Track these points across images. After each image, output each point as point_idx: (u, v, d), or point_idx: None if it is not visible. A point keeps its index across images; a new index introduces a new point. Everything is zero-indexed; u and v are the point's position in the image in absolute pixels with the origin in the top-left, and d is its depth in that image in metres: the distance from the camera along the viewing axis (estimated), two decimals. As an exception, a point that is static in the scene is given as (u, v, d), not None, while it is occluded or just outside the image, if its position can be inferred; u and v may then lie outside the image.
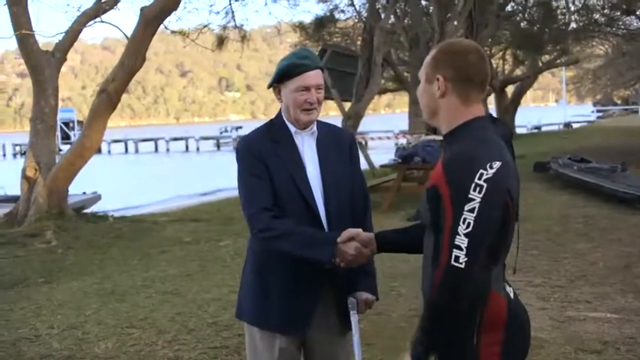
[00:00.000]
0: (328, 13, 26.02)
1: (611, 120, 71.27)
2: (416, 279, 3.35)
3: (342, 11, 28.36)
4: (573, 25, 30.88)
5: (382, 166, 15.68)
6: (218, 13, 21.21)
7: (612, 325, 6.30)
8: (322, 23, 25.08)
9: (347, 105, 19.56)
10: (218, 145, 76.02)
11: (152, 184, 31.17)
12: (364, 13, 24.07)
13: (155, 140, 76.30)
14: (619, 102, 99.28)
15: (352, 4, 24.57)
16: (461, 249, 2.34)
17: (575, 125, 71.02)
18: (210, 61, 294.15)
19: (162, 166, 48.66)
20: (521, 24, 30.42)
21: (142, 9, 11.98)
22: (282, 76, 3.32)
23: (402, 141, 20.59)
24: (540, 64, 39.00)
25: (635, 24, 33.73)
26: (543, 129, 69.44)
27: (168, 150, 72.72)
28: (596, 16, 31.56)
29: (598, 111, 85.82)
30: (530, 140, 40.97)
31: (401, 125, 43.66)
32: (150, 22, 11.96)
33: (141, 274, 8.81)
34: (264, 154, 3.30)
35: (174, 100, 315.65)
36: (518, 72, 42.71)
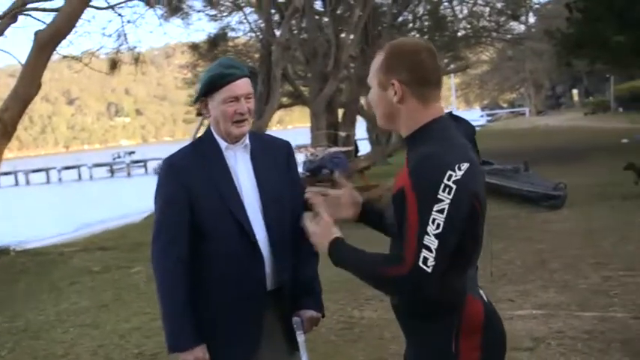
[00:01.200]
0: (221, 32, 25.81)
1: (500, 123, 73.30)
2: (339, 293, 3.28)
3: (233, 29, 28.31)
4: (461, 32, 31.66)
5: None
6: (110, 36, 20.74)
7: (539, 321, 6.38)
8: (215, 42, 24.87)
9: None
10: (112, 172, 74.67)
11: (49, 215, 30.26)
12: (258, 29, 24.18)
13: (46, 170, 74.04)
14: (505, 105, 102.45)
15: (247, 21, 24.49)
16: (430, 250, 2.23)
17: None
18: (97, 86, 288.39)
19: (57, 197, 47.35)
20: (412, 33, 31.05)
21: (36, 33, 11.53)
22: (209, 89, 3.11)
23: (300, 156, 20.62)
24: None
25: (520, 29, 34.92)
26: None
27: (60, 179, 70.70)
28: (483, 22, 32.50)
29: (488, 115, 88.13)
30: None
31: (298, 140, 43.64)
32: (44, 46, 11.53)
33: (53, 309, 8.41)
34: (189, 176, 3.09)
35: (63, 129, 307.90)
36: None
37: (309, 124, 21.32)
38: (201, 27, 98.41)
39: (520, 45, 39.00)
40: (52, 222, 25.83)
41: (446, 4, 30.64)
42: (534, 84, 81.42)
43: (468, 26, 31.90)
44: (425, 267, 2.23)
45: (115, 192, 45.96)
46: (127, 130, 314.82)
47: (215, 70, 3.11)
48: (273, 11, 19.02)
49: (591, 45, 20.64)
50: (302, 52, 20.71)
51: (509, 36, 34.67)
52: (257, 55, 29.81)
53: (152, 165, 71.78)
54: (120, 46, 20.97)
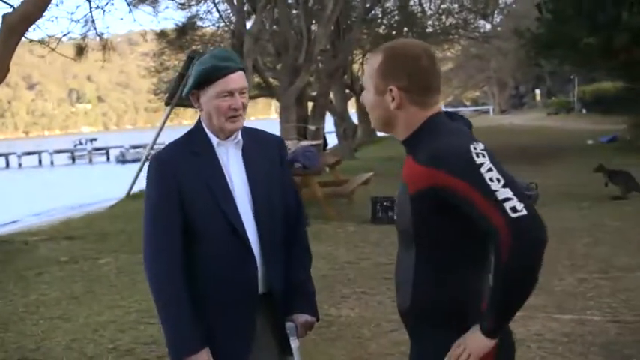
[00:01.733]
0: (190, 20, 25.57)
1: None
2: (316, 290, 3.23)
3: (202, 18, 28.08)
4: (429, 29, 31.76)
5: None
6: (78, 21, 20.40)
7: (517, 323, 6.31)
8: (184, 30, 24.62)
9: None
10: (73, 159, 73.89)
11: (10, 201, 29.71)
12: (228, 20, 23.99)
13: (6, 156, 73.00)
14: (468, 103, 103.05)
15: (217, 11, 24.26)
16: (510, 199, 2.15)
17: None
18: (59, 72, 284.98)
19: (18, 183, 46.66)
20: (381, 28, 31.15)
21: (4, 16, 11.20)
22: (202, 81, 2.97)
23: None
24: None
25: (485, 27, 35.13)
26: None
27: (20, 165, 69.79)
28: (451, 20, 32.65)
29: (455, 112, 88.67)
30: (394, 142, 41.58)
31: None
32: (13, 30, 11.21)
33: (21, 300, 8.18)
34: (179, 174, 2.97)
35: (23, 114, 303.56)
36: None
37: (272, 116, 21.26)
38: (170, 15, 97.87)
39: (487, 43, 39.20)
40: (14, 208, 25.39)
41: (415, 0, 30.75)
42: (498, 83, 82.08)
43: (437, 23, 32.00)
44: (519, 213, 2.14)
45: (77, 179, 45.43)
46: (88, 117, 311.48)
47: (209, 62, 2.98)
48: (244, 1, 18.83)
49: (561, 46, 20.78)
50: (273, 44, 20.62)
51: (476, 34, 34.88)
52: (223, 45, 29.78)
53: (114, 153, 71.27)
54: (87, 32, 20.68)
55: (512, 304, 2.23)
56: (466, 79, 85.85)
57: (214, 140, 3.04)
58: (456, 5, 31.17)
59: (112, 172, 47.69)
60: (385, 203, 12.19)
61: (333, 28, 20.26)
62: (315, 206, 12.32)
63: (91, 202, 23.82)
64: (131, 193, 19.06)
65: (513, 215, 2.12)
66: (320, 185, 12.97)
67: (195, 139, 3.08)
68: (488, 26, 37.34)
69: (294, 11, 20.80)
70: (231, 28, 19.20)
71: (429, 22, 31.47)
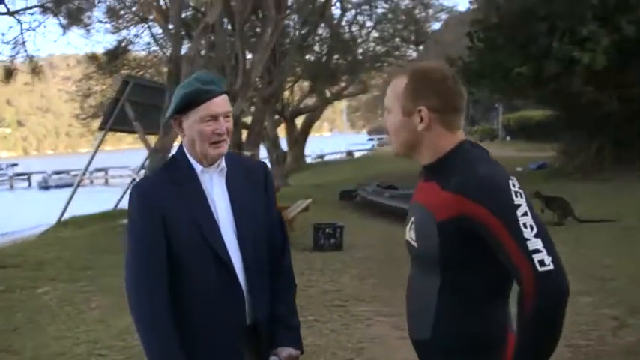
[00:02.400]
0: (121, 44, 25.26)
1: (390, 148, 74.24)
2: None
3: (132, 42, 27.76)
4: (360, 56, 32.06)
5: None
6: (8, 43, 19.92)
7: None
8: (116, 54, 24.28)
9: (151, 139, 19.10)
10: (-7, 184, 71.99)
11: None
12: (160, 44, 23.74)
13: None
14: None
15: (151, 35, 24.03)
16: (540, 251, 2.13)
17: (356, 154, 73.32)
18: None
19: None
20: (311, 55, 31.29)
21: None
22: (184, 106, 2.86)
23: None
24: (329, 94, 40.07)
25: (412, 55, 35.66)
26: (327, 158, 71.32)
27: (-64, 191, 67.58)
28: (381, 47, 33.06)
29: (379, 139, 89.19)
30: (322, 169, 41.89)
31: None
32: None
33: (-41, 332, 7.85)
34: (163, 203, 2.86)
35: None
36: (307, 102, 43.60)
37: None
38: (101, 39, 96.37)
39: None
40: None
41: (346, 28, 31.02)
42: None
43: (370, 50, 32.37)
44: (546, 267, 2.12)
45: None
46: (7, 142, 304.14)
47: (191, 85, 2.86)
48: (180, 26, 18.69)
49: (492, 75, 21.17)
50: (209, 69, 20.48)
51: (400, 61, 35.29)
52: (151, 70, 29.51)
53: (36, 178, 69.58)
54: (17, 54, 20.22)
55: (539, 356, 2.20)
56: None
57: (198, 168, 2.93)
58: (389, 32, 31.50)
59: (35, 199, 46.51)
60: (327, 230, 12.18)
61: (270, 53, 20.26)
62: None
63: (18, 229, 23.15)
64: (62, 219, 18.61)
65: (541, 269, 2.12)
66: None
67: (178, 167, 2.97)
68: (414, 54, 37.84)
69: (231, 38, 20.69)
70: (164, 52, 19.04)
71: (359, 51, 31.72)
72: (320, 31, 28.72)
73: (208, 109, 2.83)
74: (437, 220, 2.31)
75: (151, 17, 23.37)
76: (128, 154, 71.96)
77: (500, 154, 39.66)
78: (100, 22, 24.63)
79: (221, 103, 2.86)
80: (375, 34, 31.91)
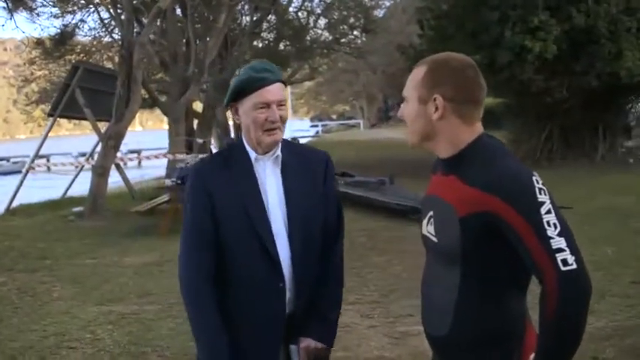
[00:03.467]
0: (68, 29, 24.71)
1: (336, 134, 74.02)
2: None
3: (78, 27, 27.19)
4: (308, 43, 31.92)
5: (160, 188, 15.10)
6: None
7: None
8: (63, 39, 23.76)
9: (102, 125, 18.81)
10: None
11: None
12: (105, 29, 23.31)
13: None
14: (334, 117, 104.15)
15: (100, 19, 23.59)
16: (563, 250, 2.12)
17: (301, 140, 73.08)
18: None
19: None
20: (260, 42, 31.10)
21: None
22: (239, 93, 2.91)
23: (163, 160, 20.17)
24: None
25: (357, 43, 35.64)
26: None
27: None
28: (328, 35, 33.00)
29: (323, 126, 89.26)
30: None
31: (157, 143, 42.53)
32: None
33: None
34: (215, 187, 2.90)
35: None
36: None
37: (165, 127, 21.02)
38: (48, 23, 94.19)
39: (362, 58, 39.79)
40: None
41: (293, 14, 30.87)
42: (368, 97, 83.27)
43: (318, 37, 32.31)
44: (569, 267, 2.11)
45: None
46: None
47: (246, 74, 2.93)
48: (132, 10, 18.37)
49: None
50: (160, 55, 20.23)
51: (347, 49, 35.25)
52: (97, 56, 28.98)
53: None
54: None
55: (561, 356, 2.18)
56: (336, 92, 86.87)
57: (252, 155, 2.98)
58: (337, 18, 31.46)
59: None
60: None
61: (222, 39, 20.07)
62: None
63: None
64: (10, 208, 18.18)
65: (564, 268, 2.11)
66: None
67: (235, 153, 3.01)
68: (359, 42, 37.82)
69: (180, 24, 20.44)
70: (113, 38, 18.77)
71: (308, 37, 31.58)
72: (270, 17, 28.56)
73: (261, 96, 2.88)
74: (459, 215, 2.29)
75: (97, 1, 22.99)
76: (68, 141, 70.65)
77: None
78: (45, 5, 24.03)
79: (274, 91, 2.90)
80: (323, 20, 31.87)
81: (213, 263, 2.90)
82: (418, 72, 2.43)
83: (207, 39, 20.38)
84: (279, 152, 2.98)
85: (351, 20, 31.59)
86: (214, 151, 24.04)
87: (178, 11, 20.66)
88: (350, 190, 15.06)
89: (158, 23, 18.60)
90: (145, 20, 18.66)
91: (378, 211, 13.81)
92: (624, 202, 13.26)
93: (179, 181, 12.45)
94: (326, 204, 3.06)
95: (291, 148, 3.08)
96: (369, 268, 9.30)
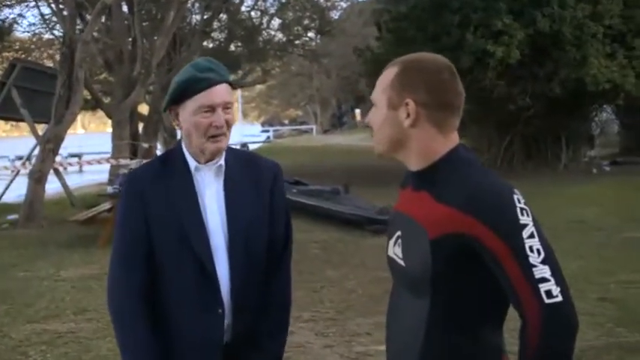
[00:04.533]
0: (7, 24, 24.24)
1: (288, 140, 73.87)
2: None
3: (16, 22, 26.70)
4: (261, 45, 31.78)
5: (101, 195, 14.77)
6: None
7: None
8: (0, 35, 23.26)
9: (41, 128, 18.41)
10: None
11: None
12: (46, 25, 22.88)
13: None
14: (286, 122, 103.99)
15: (40, 15, 23.18)
16: (547, 280, 1.95)
17: (252, 146, 72.68)
18: None
19: None
20: (210, 42, 30.87)
21: None
22: (180, 95, 2.70)
23: (106, 166, 19.84)
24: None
25: (311, 45, 35.63)
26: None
27: None
28: (281, 36, 32.92)
29: (274, 131, 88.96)
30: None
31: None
32: None
33: None
34: (150, 198, 2.72)
35: None
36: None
37: (109, 130, 20.72)
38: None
39: (316, 61, 39.79)
40: None
41: (245, 13, 30.72)
42: (321, 102, 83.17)
43: (272, 38, 32.24)
44: (554, 299, 1.95)
45: None
46: None
47: (188, 73, 2.71)
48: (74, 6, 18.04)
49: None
50: (104, 54, 19.88)
51: (301, 51, 35.18)
52: (37, 54, 28.50)
53: None
54: None
55: None
56: (288, 97, 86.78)
57: (192, 163, 2.79)
58: (292, 19, 31.37)
59: None
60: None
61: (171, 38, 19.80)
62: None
63: None
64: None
65: (548, 301, 1.95)
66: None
67: (173, 160, 2.82)
68: (317, 44, 37.82)
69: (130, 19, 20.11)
70: (54, 34, 18.42)
71: (260, 38, 31.42)
72: (221, 16, 28.34)
73: (205, 98, 2.68)
74: (430, 237, 2.11)
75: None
76: (4, 143, 69.39)
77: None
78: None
79: (220, 93, 2.71)
80: (277, 21, 31.78)
81: (146, 281, 2.74)
82: (388, 74, 2.27)
83: (155, 38, 20.13)
84: (222, 161, 2.81)
85: (306, 21, 31.51)
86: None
87: (124, 8, 20.34)
88: (303, 200, 14.88)
89: (103, 20, 18.28)
90: (88, 16, 18.31)
91: (332, 221, 13.68)
92: (588, 214, 13.32)
93: (122, 188, 12.12)
94: (272, 219, 2.89)
95: (237, 156, 2.91)
96: (323, 282, 9.19)
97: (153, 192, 2.73)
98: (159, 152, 23.77)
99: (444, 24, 19.43)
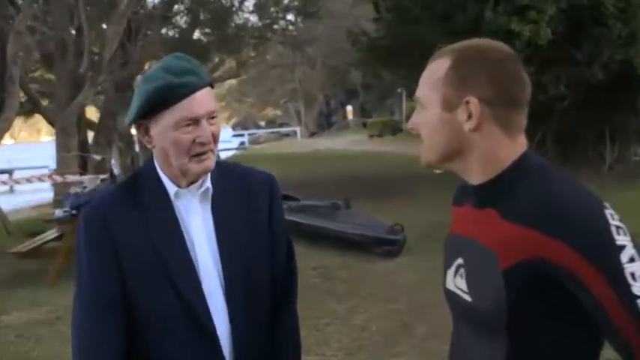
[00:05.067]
0: None
1: (266, 146, 73.54)
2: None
3: None
4: (232, 31, 31.77)
5: (48, 221, 14.60)
6: None
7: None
8: None
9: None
10: None
11: None
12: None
13: None
14: (262, 124, 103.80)
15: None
16: None
17: (222, 155, 72.28)
18: None
19: None
20: (171, 30, 30.85)
21: None
22: (151, 107, 2.55)
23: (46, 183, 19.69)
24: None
25: (297, 28, 35.72)
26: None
27: None
28: (257, 19, 32.95)
29: (249, 135, 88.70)
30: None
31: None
32: None
33: None
34: (120, 234, 2.59)
35: None
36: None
37: (43, 139, 20.53)
38: None
39: (299, 49, 39.88)
40: None
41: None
42: (305, 98, 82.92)
43: (246, 23, 32.29)
44: None
45: None
46: None
47: (158, 78, 2.55)
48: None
49: (409, 53, 21.13)
50: (43, 47, 19.78)
51: (282, 37, 35.21)
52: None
53: None
54: None
55: None
56: (265, 93, 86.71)
57: (171, 189, 2.66)
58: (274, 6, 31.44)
59: None
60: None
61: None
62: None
63: None
64: None
65: None
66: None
67: (144, 186, 2.69)
68: (300, 29, 37.87)
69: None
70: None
71: (232, 24, 31.36)
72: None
73: (185, 109, 2.54)
74: (502, 265, 2.05)
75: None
76: None
77: (408, 152, 40.26)
78: None
79: (203, 101, 2.57)
80: (251, 1, 31.77)
81: (120, 337, 2.60)
82: (438, 66, 2.21)
83: (105, 26, 19.99)
84: (208, 183, 2.70)
85: (286, 0, 31.47)
86: (115, 170, 23.74)
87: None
88: (296, 218, 14.76)
89: (39, 5, 18.18)
90: (20, 1, 18.24)
91: (332, 243, 13.63)
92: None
93: (74, 211, 12.05)
94: (273, 248, 2.82)
95: (223, 173, 2.79)
96: (327, 318, 9.19)
97: (124, 226, 2.61)
98: (113, 166, 23.71)
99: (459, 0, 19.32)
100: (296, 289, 2.93)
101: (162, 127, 2.56)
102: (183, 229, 2.64)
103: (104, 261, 2.58)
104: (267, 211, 2.80)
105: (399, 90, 56.90)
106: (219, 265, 2.65)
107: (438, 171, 2.31)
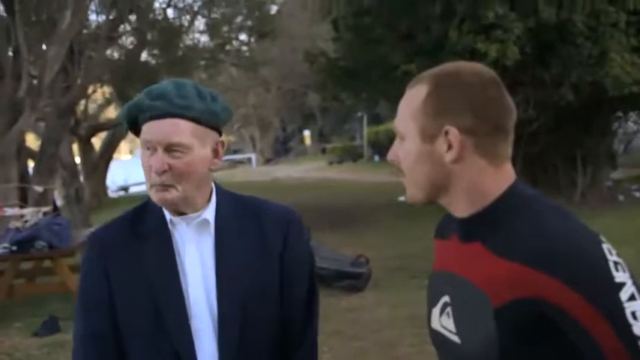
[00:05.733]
0: None
1: (220, 174, 72.85)
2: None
3: None
4: (181, 52, 31.74)
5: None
6: None
7: None
8: None
9: None
10: None
11: None
12: None
13: None
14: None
15: None
16: None
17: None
18: None
19: None
20: (116, 51, 30.74)
21: None
22: (128, 122, 2.63)
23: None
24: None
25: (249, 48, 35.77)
26: (132, 190, 69.94)
27: None
28: (207, 40, 32.97)
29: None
30: (131, 206, 40.73)
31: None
32: None
33: None
34: (116, 268, 2.59)
35: None
36: (110, 115, 42.96)
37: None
38: None
39: (253, 70, 39.85)
40: None
41: (160, 11, 30.64)
42: (261, 123, 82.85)
43: (201, 42, 32.29)
44: None
45: None
46: None
47: (137, 99, 2.62)
48: None
49: (369, 74, 21.18)
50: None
51: (235, 59, 35.20)
52: None
53: None
54: None
55: None
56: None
57: (168, 216, 2.66)
58: (220, 18, 31.40)
59: None
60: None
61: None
62: (68, 301, 11.64)
63: None
64: None
65: None
66: (73, 271, 12.17)
67: (147, 213, 2.69)
68: (246, 48, 37.91)
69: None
70: None
71: (181, 45, 31.32)
72: (131, 16, 28.22)
73: (145, 132, 2.58)
74: (494, 304, 2.01)
75: None
76: None
77: (370, 180, 40.48)
78: None
79: (160, 129, 2.57)
80: (201, 20, 31.78)
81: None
82: (416, 94, 2.19)
83: (45, 47, 19.83)
84: (205, 215, 2.65)
85: (239, 19, 31.48)
86: (58, 202, 23.44)
87: (0, 6, 20.07)
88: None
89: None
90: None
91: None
92: (622, 257, 13.29)
93: (14, 248, 11.88)
94: (285, 292, 2.75)
95: (236, 204, 2.78)
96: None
97: (120, 259, 2.61)
98: (57, 198, 23.42)
99: (421, 18, 19.35)
100: (313, 340, 2.86)
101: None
102: (177, 259, 2.61)
103: (98, 296, 2.61)
104: (280, 252, 2.74)
105: (359, 114, 57.13)
106: (214, 301, 2.60)
107: (402, 198, 2.26)
